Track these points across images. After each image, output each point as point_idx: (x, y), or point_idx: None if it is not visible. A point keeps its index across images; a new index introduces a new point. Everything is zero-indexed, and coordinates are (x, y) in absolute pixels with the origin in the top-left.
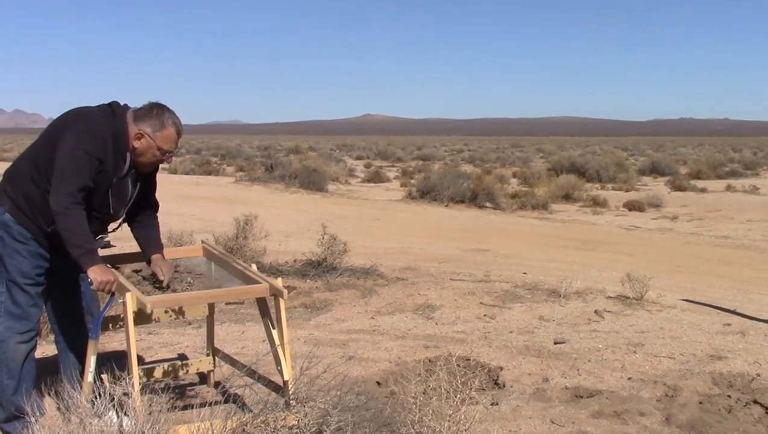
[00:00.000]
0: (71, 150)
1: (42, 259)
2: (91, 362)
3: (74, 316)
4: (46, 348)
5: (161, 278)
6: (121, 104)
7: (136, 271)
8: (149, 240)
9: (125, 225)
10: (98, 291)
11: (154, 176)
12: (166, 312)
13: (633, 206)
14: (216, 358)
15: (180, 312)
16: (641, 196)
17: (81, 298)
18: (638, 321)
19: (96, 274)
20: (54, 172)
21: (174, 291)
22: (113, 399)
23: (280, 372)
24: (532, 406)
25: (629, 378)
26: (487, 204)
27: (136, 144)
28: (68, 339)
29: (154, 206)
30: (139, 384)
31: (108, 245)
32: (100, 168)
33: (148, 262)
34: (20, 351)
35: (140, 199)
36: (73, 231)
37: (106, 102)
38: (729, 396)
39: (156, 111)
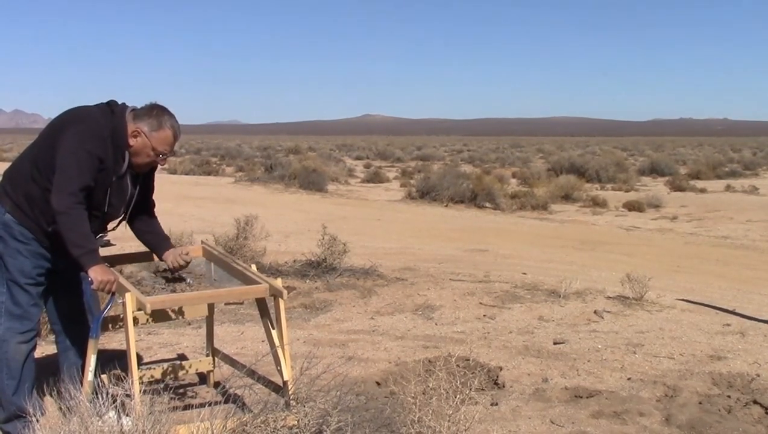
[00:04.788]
0: (73, 149)
1: (43, 259)
2: (92, 361)
3: (75, 316)
4: (46, 348)
5: (174, 265)
6: (119, 103)
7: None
8: (158, 238)
9: (124, 225)
10: (99, 290)
11: (153, 177)
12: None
13: (632, 206)
14: (215, 359)
15: (180, 312)
16: (641, 196)
17: (82, 298)
18: (638, 322)
19: (97, 274)
20: (55, 171)
21: (173, 291)
22: (114, 399)
23: (280, 372)
24: (531, 406)
25: (629, 379)
26: (487, 204)
27: (132, 141)
28: (69, 339)
29: (152, 207)
30: (139, 384)
31: (108, 244)
32: (101, 167)
33: (161, 259)
34: (21, 351)
35: (140, 200)
36: (74, 231)
37: (104, 101)
38: (729, 397)
39: (156, 111)
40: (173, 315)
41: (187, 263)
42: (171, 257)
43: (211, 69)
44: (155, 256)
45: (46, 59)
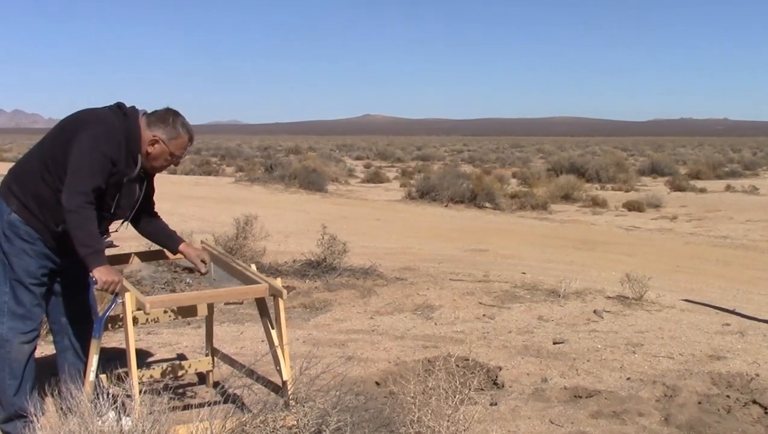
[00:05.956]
0: (87, 150)
1: (48, 259)
2: (93, 361)
3: (77, 316)
4: (46, 348)
5: (202, 269)
6: (128, 105)
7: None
8: (167, 234)
9: (126, 226)
10: (102, 291)
11: (153, 178)
12: (165, 312)
13: (632, 206)
14: (215, 358)
15: (179, 312)
16: (641, 196)
17: (86, 298)
18: (637, 322)
19: (101, 274)
20: (68, 170)
21: (173, 291)
22: (114, 399)
23: (279, 372)
24: (531, 406)
25: (628, 378)
26: (487, 204)
27: (150, 149)
28: (69, 339)
29: (153, 206)
30: (139, 384)
31: (111, 245)
32: (114, 170)
33: (174, 253)
34: (23, 351)
35: (144, 200)
36: (83, 230)
37: (113, 103)
38: (728, 396)
39: (171, 118)
40: (173, 315)
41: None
42: (195, 256)
43: (211, 69)
44: (168, 254)
45: (46, 59)
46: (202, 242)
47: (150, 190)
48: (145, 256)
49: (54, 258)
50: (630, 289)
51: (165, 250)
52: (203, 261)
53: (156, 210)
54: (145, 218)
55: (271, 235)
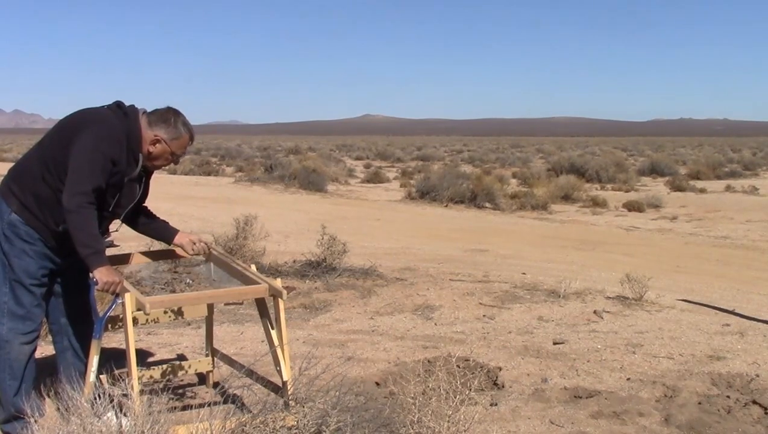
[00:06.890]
0: (89, 150)
1: (48, 260)
2: (94, 362)
3: (77, 316)
4: (46, 349)
5: (191, 251)
6: (128, 105)
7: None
8: (163, 227)
9: (126, 225)
10: (103, 291)
11: (151, 176)
12: (165, 312)
13: (632, 206)
14: (215, 359)
15: (179, 312)
16: (641, 196)
17: (86, 299)
18: (637, 322)
19: (102, 275)
20: (68, 170)
21: (173, 291)
22: (113, 399)
23: (279, 372)
24: (531, 407)
25: (628, 379)
26: (487, 204)
27: (152, 148)
28: (69, 340)
29: (143, 202)
30: (138, 384)
31: (112, 244)
32: (115, 170)
33: (170, 243)
34: (24, 352)
35: (140, 199)
36: (83, 231)
37: (112, 102)
38: (728, 397)
39: (172, 118)
40: (173, 316)
41: (206, 250)
42: (188, 243)
43: (211, 69)
44: (175, 252)
45: (46, 59)
46: None
47: (147, 189)
48: (145, 256)
49: (54, 258)
50: (630, 290)
51: (167, 252)
52: (196, 249)
53: (145, 205)
54: (142, 217)
55: (270, 235)
